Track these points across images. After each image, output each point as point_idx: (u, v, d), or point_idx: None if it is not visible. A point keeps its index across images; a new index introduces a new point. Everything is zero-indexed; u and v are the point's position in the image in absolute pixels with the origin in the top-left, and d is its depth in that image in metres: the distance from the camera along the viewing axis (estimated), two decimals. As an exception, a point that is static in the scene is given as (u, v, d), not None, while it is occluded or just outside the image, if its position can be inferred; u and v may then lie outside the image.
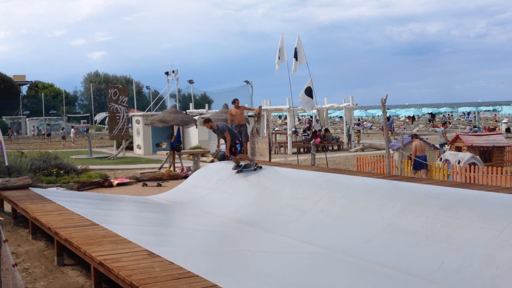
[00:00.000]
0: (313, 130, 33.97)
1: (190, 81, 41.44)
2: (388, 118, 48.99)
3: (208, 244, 8.72)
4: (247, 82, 37.72)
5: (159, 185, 17.25)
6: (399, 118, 69.11)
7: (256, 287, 5.93)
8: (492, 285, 6.05)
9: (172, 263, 6.38)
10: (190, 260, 7.31)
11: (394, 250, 7.53)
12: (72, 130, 47.56)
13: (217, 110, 26.16)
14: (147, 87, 52.14)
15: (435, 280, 6.47)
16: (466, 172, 15.33)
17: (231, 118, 15.11)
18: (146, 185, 17.47)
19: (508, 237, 6.62)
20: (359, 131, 40.76)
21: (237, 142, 12.91)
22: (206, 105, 40.35)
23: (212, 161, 23.27)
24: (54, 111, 75.13)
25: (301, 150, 30.33)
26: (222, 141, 13.46)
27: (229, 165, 13.66)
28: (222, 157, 15.99)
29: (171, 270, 6.11)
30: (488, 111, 79.29)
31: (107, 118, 48.86)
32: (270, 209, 10.52)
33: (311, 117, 47.51)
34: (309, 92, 20.47)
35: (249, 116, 26.51)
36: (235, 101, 15.39)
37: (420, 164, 16.15)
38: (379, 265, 7.20)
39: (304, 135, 34.18)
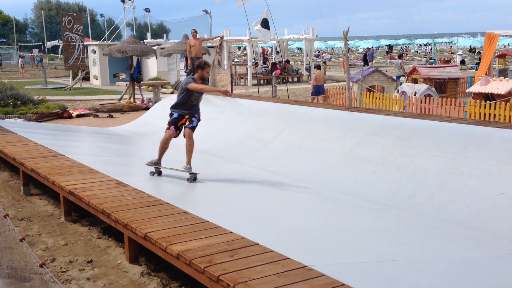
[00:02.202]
0: (273, 61, 33.91)
1: (147, 10, 40.19)
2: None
3: (174, 174, 8.91)
4: (205, 11, 36.94)
5: (110, 116, 17.18)
6: (358, 50, 69.43)
7: (223, 213, 6.19)
8: (444, 208, 6.51)
9: (142, 192, 6.57)
10: (158, 189, 7.53)
11: (353, 177, 7.91)
12: (20, 59, 45.82)
13: (177, 41, 25.74)
14: (101, 15, 50.27)
15: (391, 205, 6.89)
16: (421, 103, 15.84)
17: (189, 49, 15.01)
18: (98, 116, 17.38)
19: (459, 165, 7.05)
20: (324, 62, 40.89)
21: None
22: (164, 35, 39.48)
23: (172, 93, 23.16)
24: (4, 39, 71.99)
25: (261, 81, 30.38)
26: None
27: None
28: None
29: (142, 198, 6.30)
30: (444, 42, 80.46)
31: (61, 47, 47.25)
32: (233, 141, 10.72)
33: (271, 48, 47.23)
34: (265, 23, 20.32)
35: (209, 47, 26.21)
36: (193, 32, 15.25)
37: (317, 91, 18.14)
38: (339, 192, 7.58)
39: (264, 67, 34.13)
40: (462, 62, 41.78)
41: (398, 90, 18.16)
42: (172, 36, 42.86)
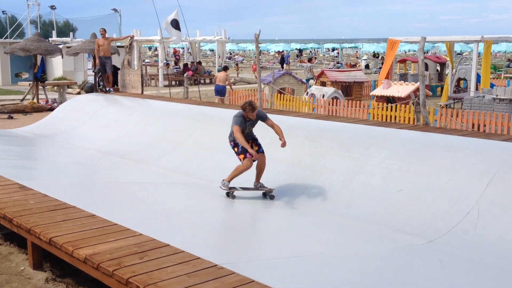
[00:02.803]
0: (185, 62, 33.71)
1: (52, 7, 38.67)
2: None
3: (80, 177, 8.65)
4: (115, 10, 36.08)
5: (10, 117, 16.34)
6: (269, 53, 70.60)
7: (133, 215, 6.11)
8: (349, 204, 6.80)
9: (46, 195, 6.32)
10: (64, 192, 7.25)
11: (263, 177, 8.05)
12: None
13: (84, 40, 24.92)
14: (3, 11, 47.75)
15: (300, 203, 7.09)
16: (329, 105, 16.41)
17: (97, 49, 14.66)
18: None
19: (362, 164, 7.39)
20: (237, 64, 41.19)
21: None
22: (71, 34, 38.10)
23: (78, 93, 22.39)
24: None
25: (173, 83, 30.11)
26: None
27: (98, 97, 13.31)
28: (90, 89, 15.57)
29: (46, 202, 6.07)
30: (350, 47, 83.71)
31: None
32: (143, 142, 10.56)
33: (183, 49, 46.95)
34: (176, 24, 20.15)
35: (119, 47, 25.62)
36: (102, 31, 14.90)
37: (217, 91, 18.40)
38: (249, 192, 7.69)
39: (176, 68, 33.84)
40: (367, 66, 43.70)
41: (307, 93, 18.68)
42: (80, 35, 41.48)
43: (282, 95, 17.80)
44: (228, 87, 18.95)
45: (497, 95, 14.47)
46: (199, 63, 33.06)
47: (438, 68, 25.02)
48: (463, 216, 5.96)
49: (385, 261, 5.18)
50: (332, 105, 16.36)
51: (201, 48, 47.55)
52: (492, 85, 18.47)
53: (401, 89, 17.02)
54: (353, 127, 8.89)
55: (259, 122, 7.60)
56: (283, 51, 65.78)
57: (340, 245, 5.62)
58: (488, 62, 17.81)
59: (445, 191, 6.39)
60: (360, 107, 15.82)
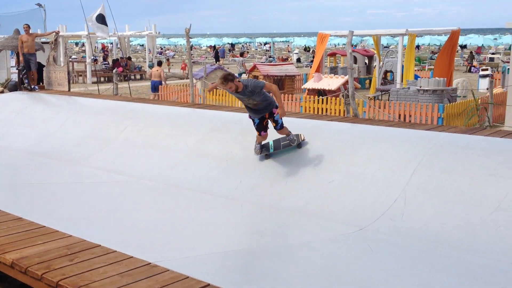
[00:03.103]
0: (114, 58, 32.96)
1: (-29, 1, 36.69)
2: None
3: (4, 179, 8.30)
4: (39, 5, 34.66)
5: None
6: (201, 48, 70.19)
7: (62, 217, 5.93)
8: (281, 197, 6.89)
9: (-32, 200, 6.02)
10: (-13, 196, 6.95)
11: (197, 173, 8.02)
12: None
13: (6, 36, 23.80)
14: None
15: (234, 198, 7.12)
16: (261, 99, 16.51)
17: (21, 45, 14.10)
18: None
19: (295, 156, 7.50)
20: (168, 59, 40.64)
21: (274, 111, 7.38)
22: (-8, 29, 36.29)
23: (1, 92, 21.40)
24: None
25: (102, 79, 29.37)
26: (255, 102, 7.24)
27: (23, 96, 12.78)
28: (14, 87, 14.95)
29: (-33, 206, 5.77)
30: (282, 41, 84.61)
31: None
32: (71, 141, 10.24)
33: (111, 44, 45.88)
34: (102, 19, 19.78)
35: (43, 43, 24.67)
36: (25, 27, 14.34)
37: (153, 87, 18.97)
38: (184, 188, 7.64)
39: (104, 64, 33.03)
40: (298, 60, 44.33)
41: (239, 87, 18.71)
42: (1, 31, 39.59)
43: (215, 90, 17.75)
44: (163, 82, 18.87)
45: (420, 86, 15.07)
46: (129, 58, 32.43)
47: (367, 61, 25.75)
48: (391, 203, 6.18)
49: (317, 251, 5.29)
50: (265, 99, 16.48)
51: (130, 43, 46.66)
52: (416, 77, 19.22)
53: (331, 82, 17.40)
54: (285, 120, 8.98)
55: None
56: (215, 45, 65.64)
57: (273, 237, 5.69)
58: (412, 54, 18.49)
59: (374, 180, 6.61)
60: (292, 100, 16.04)
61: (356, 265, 4.92)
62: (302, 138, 7.64)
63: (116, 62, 30.43)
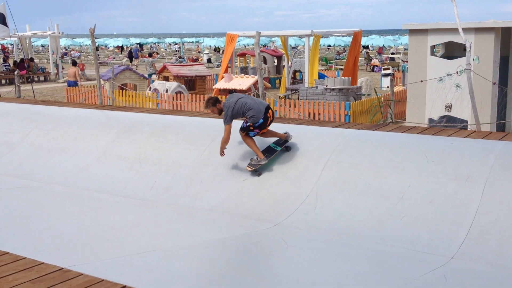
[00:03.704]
0: (15, 60, 31.30)
1: None
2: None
3: None
4: None
5: None
6: (108, 48, 68.37)
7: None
8: (198, 196, 6.90)
9: None
10: None
11: (109, 176, 7.85)
12: None
13: None
14: None
15: (148, 199, 7.04)
16: (173, 100, 16.41)
17: None
18: None
19: (209, 156, 7.53)
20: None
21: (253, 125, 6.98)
22: None
23: None
24: None
25: (2, 81, 27.83)
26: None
27: None
28: None
29: None
30: (191, 42, 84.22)
31: None
32: (-29, 146, 9.66)
33: (12, 45, 43.56)
34: (2, 19, 18.98)
35: None
36: None
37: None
38: (95, 191, 7.44)
39: (4, 65, 31.31)
40: (209, 60, 44.35)
41: (150, 88, 18.48)
42: None
43: (124, 91, 17.39)
44: (79, 82, 18.46)
45: (327, 85, 15.61)
46: (31, 59, 30.97)
47: (276, 61, 26.25)
48: (303, 198, 6.37)
49: (234, 247, 5.37)
50: (176, 100, 16.38)
51: (32, 43, 44.55)
52: (323, 76, 19.87)
53: (242, 82, 17.59)
54: (198, 121, 9.01)
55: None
56: (127, 45, 64.16)
57: (189, 236, 5.70)
58: (315, 55, 19.08)
59: (287, 176, 6.78)
60: (203, 100, 16.04)
61: (272, 259, 5.04)
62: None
63: (21, 63, 28.89)
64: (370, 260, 5.09)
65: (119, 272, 4.32)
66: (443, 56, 13.64)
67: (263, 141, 7.26)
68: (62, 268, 4.21)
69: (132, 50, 45.10)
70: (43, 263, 4.32)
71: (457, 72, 10.25)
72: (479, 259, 4.99)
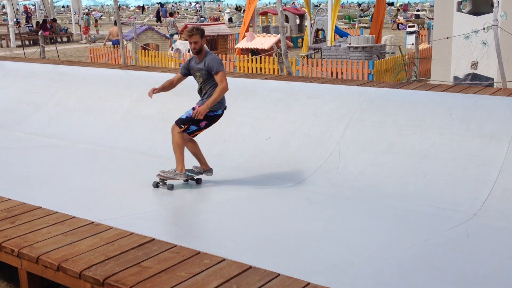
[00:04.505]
0: (37, 20, 31.44)
1: None
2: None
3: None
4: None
5: None
6: (129, 8, 68.07)
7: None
8: (220, 156, 6.99)
9: None
10: None
11: (134, 135, 7.98)
12: None
13: None
14: None
15: (172, 158, 7.13)
16: (195, 60, 16.37)
17: None
18: None
19: (232, 115, 7.55)
20: (96, 20, 39.12)
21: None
22: None
23: None
24: None
25: (27, 42, 28.05)
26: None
27: None
28: None
29: None
30: (212, 1, 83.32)
31: None
32: (0, 106, 9.87)
33: (34, 6, 43.68)
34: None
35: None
36: None
37: (114, 47, 19.14)
38: (122, 149, 7.59)
39: (28, 26, 31.48)
40: (230, 20, 43.92)
41: (172, 48, 18.46)
42: None
43: (146, 51, 17.42)
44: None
45: (350, 44, 15.41)
46: (54, 20, 31.06)
47: (298, 20, 25.89)
48: (326, 157, 6.42)
49: (258, 204, 5.47)
50: (198, 60, 16.35)
51: (54, 4, 44.59)
52: (346, 34, 19.58)
53: (264, 41, 17.45)
54: (220, 80, 9.02)
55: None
56: (143, 5, 63.77)
57: (213, 193, 5.81)
58: (335, 13, 18.78)
59: (309, 135, 6.82)
60: (226, 60, 16.01)
61: (295, 215, 5.14)
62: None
63: (44, 24, 29.03)
64: (394, 217, 5.15)
65: (148, 226, 4.47)
66: (469, 12, 13.30)
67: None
68: (93, 222, 4.37)
69: (159, 10, 44.64)
70: (74, 217, 4.48)
71: (483, 29, 10.02)
72: (502, 216, 5.01)
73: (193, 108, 5.75)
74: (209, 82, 5.70)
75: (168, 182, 5.71)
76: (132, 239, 4.06)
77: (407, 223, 5.02)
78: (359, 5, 57.50)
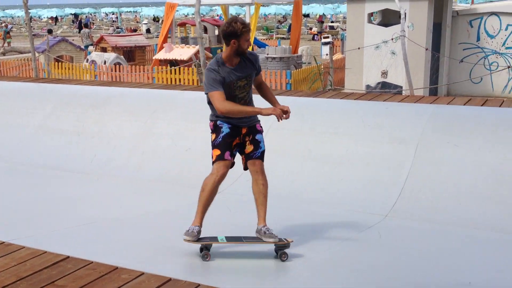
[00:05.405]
0: None
1: None
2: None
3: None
4: None
5: None
6: (41, 19, 65.68)
7: None
8: (139, 168, 6.89)
9: None
10: None
11: (47, 150, 7.69)
12: None
13: None
14: None
15: (89, 172, 6.96)
16: (112, 71, 16.07)
17: None
18: None
19: (151, 127, 7.48)
20: (8, 32, 37.28)
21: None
22: None
23: None
24: None
25: None
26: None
27: None
28: None
29: None
30: (129, 12, 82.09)
31: None
32: None
33: None
34: None
35: None
36: None
37: None
38: (35, 165, 7.29)
39: None
40: (148, 30, 43.44)
41: (87, 60, 18.00)
42: None
43: (60, 63, 16.87)
44: None
45: (267, 54, 15.69)
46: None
47: (217, 30, 26.01)
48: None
49: (177, 216, 5.42)
50: (115, 71, 16.06)
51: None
52: (264, 45, 19.91)
53: (182, 52, 17.41)
54: (138, 92, 8.91)
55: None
56: (56, 16, 61.80)
57: (133, 207, 5.71)
58: (255, 24, 19.08)
59: (228, 144, 6.84)
60: (144, 71, 15.82)
61: (217, 225, 5.13)
62: (287, 243, 4.35)
63: None
64: (313, 222, 5.28)
65: (63, 244, 4.31)
66: (380, 24, 13.96)
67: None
68: (3, 242, 4.17)
69: (81, 20, 43.18)
70: (-18, 239, 4.25)
71: (392, 39, 10.55)
72: (411, 216, 5.27)
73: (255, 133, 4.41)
74: (251, 87, 4.37)
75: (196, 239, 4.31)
76: (46, 257, 3.91)
77: (323, 227, 5.16)
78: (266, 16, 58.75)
